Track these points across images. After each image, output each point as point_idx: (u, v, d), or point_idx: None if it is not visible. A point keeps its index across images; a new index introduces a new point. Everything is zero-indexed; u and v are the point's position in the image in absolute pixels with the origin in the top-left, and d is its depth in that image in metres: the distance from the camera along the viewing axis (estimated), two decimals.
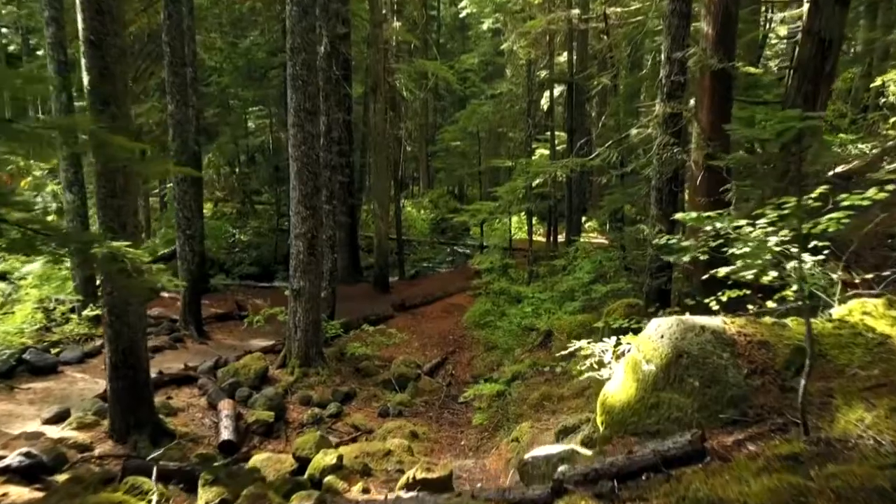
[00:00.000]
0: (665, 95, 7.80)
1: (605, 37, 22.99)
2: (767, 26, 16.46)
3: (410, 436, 7.82)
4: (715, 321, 4.38)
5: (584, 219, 24.61)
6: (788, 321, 4.40)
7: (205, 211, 25.76)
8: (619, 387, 4.60)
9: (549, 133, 23.14)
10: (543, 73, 21.35)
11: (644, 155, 10.11)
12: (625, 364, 4.68)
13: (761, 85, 10.76)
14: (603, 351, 5.36)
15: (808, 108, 7.43)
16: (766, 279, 4.88)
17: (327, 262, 11.54)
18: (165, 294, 13.94)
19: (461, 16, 26.97)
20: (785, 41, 18.43)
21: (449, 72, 18.42)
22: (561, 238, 24.08)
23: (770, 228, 4.59)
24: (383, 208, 15.76)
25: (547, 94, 22.92)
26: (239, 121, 22.96)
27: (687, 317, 4.52)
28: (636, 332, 6.39)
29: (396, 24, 23.90)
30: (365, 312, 13.69)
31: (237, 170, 25.36)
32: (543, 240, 23.79)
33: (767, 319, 4.39)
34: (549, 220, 21.27)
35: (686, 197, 7.71)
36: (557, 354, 10.36)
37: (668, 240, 5.70)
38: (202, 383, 9.08)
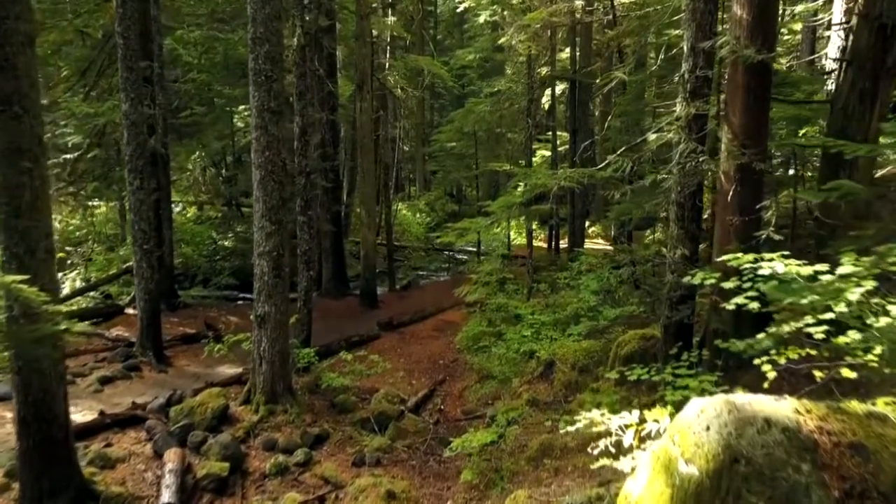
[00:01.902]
0: (687, 93, 6.55)
1: (609, 31, 21.78)
2: (782, 20, 15.24)
3: (387, 497, 6.61)
4: (783, 409, 3.14)
5: (587, 223, 23.44)
6: (884, 407, 3.19)
7: (188, 215, 24.74)
8: (645, 491, 3.40)
9: (550, 133, 21.91)
10: (545, 70, 20.15)
11: (658, 162, 8.90)
12: (653, 458, 3.47)
13: (789, 82, 9.52)
14: (622, 428, 4.12)
15: (864, 109, 6.21)
16: (842, 340, 3.70)
17: (303, 281, 10.34)
18: (130, 311, 12.75)
19: (458, 10, 25.74)
20: (799, 35, 17.22)
21: (443, 68, 17.20)
22: (563, 243, 22.91)
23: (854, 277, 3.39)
24: (370, 215, 14.54)
25: (548, 92, 21.70)
26: (223, 120, 21.72)
27: (739, 398, 3.29)
28: (658, 399, 5.19)
29: (391, 18, 22.69)
30: (348, 333, 12.50)
31: (223, 171, 24.16)
32: (544, 245, 22.60)
33: (855, 406, 3.17)
34: (551, 225, 20.05)
35: (713, 215, 6.48)
36: (559, 390, 9.19)
37: (703, 279, 4.49)
38: (150, 425, 7.87)
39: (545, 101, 23.02)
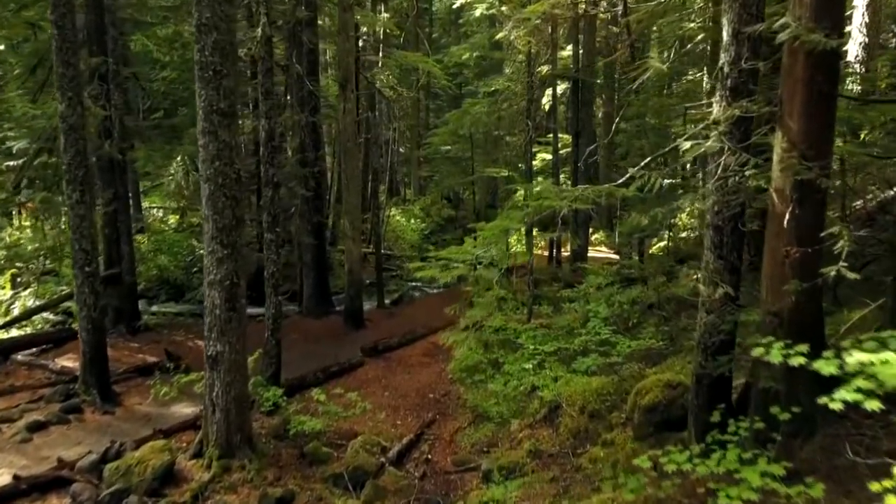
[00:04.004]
0: (728, 91, 5.27)
1: (614, 27, 20.49)
2: None
3: None
4: None
5: (590, 230, 22.15)
6: None
7: (171, 222, 23.44)
8: None
9: (551, 136, 20.64)
10: (545, 69, 18.88)
11: (676, 168, 7.64)
12: None
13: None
14: None
15: None
16: None
17: (270, 308, 9.03)
18: None
19: (454, 6, 24.49)
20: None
21: (436, 66, 15.91)
22: (565, 251, 21.62)
23: None
24: (355, 226, 13.23)
25: (549, 91, 20.42)
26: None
27: None
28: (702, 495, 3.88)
29: (384, 15, 21.40)
30: (327, 360, 11.19)
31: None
32: (545, 253, 21.32)
33: None
34: (551, 239, 18.77)
35: (766, 244, 5.19)
36: (566, 439, 7.87)
37: (784, 354, 3.18)
38: (77, 491, 6.56)
39: (545, 101, 21.76)
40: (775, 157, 5.06)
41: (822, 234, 4.74)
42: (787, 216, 4.93)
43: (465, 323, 5.38)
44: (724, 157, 4.96)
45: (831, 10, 4.68)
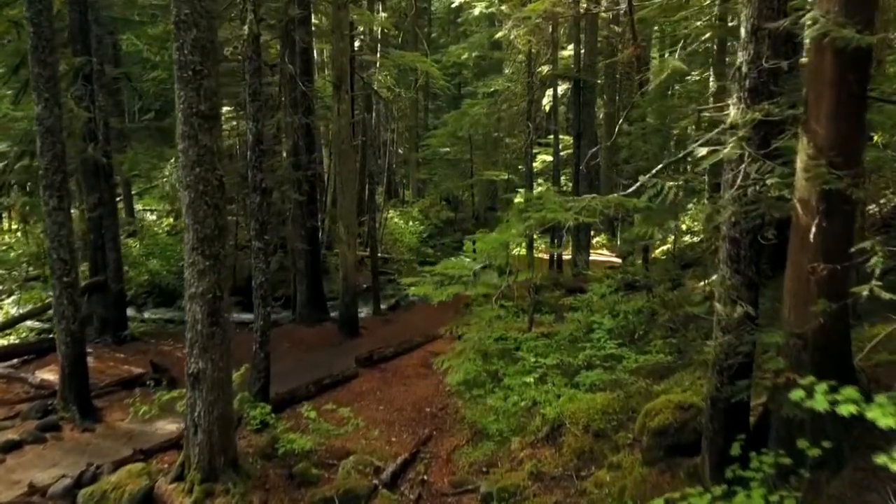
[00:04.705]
0: (746, 92, 4.86)
1: (616, 27, 20.08)
2: None
3: None
4: None
5: (591, 232, 21.72)
6: None
7: (164, 225, 23.00)
8: None
9: (551, 137, 20.27)
10: (546, 69, 18.50)
11: (690, 176, 7.22)
12: None
13: None
14: None
15: None
16: None
17: (258, 319, 8.61)
18: None
19: (453, 5, 24.10)
20: None
21: (434, 66, 15.49)
22: (566, 254, 21.21)
23: None
24: (350, 231, 12.80)
25: (549, 92, 20.01)
26: None
27: None
28: None
29: (381, 14, 20.99)
30: (320, 370, 10.78)
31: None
32: (546, 256, 20.92)
33: None
34: (553, 236, 18.39)
35: (789, 258, 4.78)
36: (570, 459, 7.46)
37: (829, 400, 2.76)
38: None
39: (546, 102, 21.36)
40: (799, 165, 4.66)
41: (852, 250, 4.34)
42: (812, 229, 4.52)
43: (461, 347, 4.96)
44: (744, 165, 4.54)
45: (863, 4, 4.27)
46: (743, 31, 4.94)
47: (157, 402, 7.53)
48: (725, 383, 5.09)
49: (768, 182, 4.67)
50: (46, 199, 7.99)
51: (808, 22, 4.17)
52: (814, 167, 4.46)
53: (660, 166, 4.91)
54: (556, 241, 19.35)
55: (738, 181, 4.62)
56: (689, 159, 5.95)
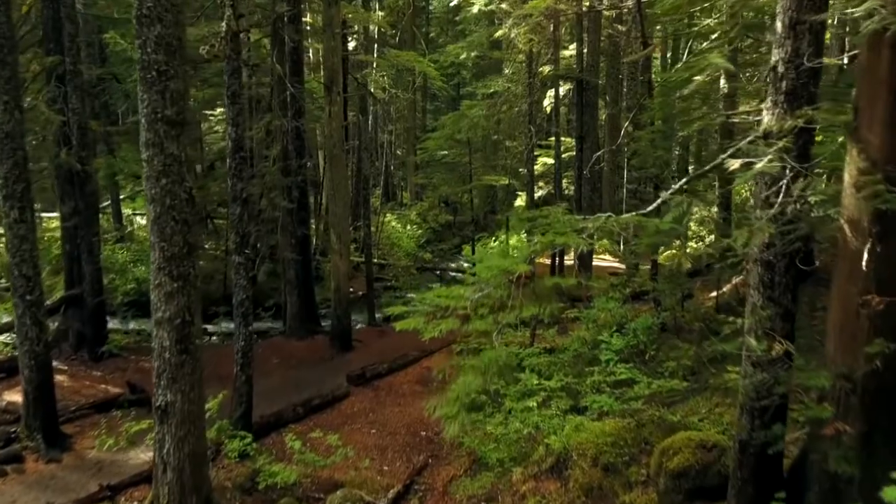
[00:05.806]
0: (783, 96, 4.23)
1: (619, 25, 19.45)
2: None
3: None
4: None
5: None
6: None
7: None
8: None
9: (553, 139, 19.65)
10: (547, 69, 17.88)
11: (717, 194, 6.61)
12: None
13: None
14: None
15: None
16: None
17: (239, 340, 7.97)
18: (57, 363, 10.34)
19: (452, 3, 23.49)
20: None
21: (431, 66, 14.86)
22: (568, 259, 20.57)
23: None
24: (342, 240, 12.17)
25: (551, 93, 19.40)
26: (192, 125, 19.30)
27: None
28: None
29: (378, 13, 20.37)
30: (309, 389, 10.15)
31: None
32: (547, 262, 20.30)
33: None
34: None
35: (834, 287, 4.16)
36: (577, 496, 6.82)
37: None
38: None
39: (547, 103, 20.75)
40: (848, 179, 4.03)
41: None
42: (864, 255, 3.89)
43: (456, 393, 4.33)
44: (785, 180, 3.91)
45: None
46: (779, 24, 4.31)
47: (126, 435, 6.90)
48: (757, 427, 4.46)
49: (812, 200, 4.05)
50: (7, 211, 7.35)
51: (870, 11, 3.54)
52: (866, 182, 3.84)
53: (683, 181, 4.28)
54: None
55: (782, 197, 3.98)
56: (710, 172, 5.36)
